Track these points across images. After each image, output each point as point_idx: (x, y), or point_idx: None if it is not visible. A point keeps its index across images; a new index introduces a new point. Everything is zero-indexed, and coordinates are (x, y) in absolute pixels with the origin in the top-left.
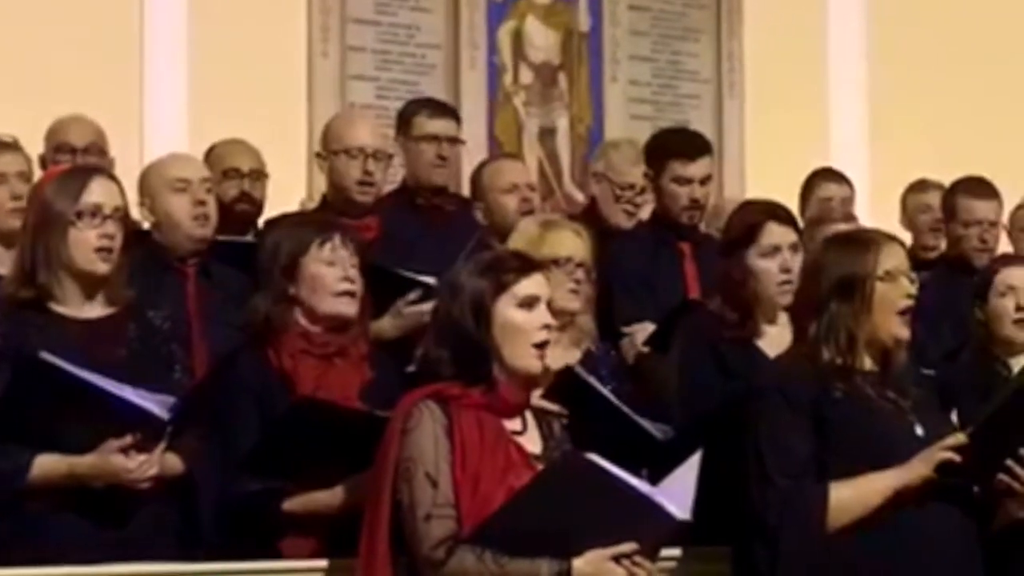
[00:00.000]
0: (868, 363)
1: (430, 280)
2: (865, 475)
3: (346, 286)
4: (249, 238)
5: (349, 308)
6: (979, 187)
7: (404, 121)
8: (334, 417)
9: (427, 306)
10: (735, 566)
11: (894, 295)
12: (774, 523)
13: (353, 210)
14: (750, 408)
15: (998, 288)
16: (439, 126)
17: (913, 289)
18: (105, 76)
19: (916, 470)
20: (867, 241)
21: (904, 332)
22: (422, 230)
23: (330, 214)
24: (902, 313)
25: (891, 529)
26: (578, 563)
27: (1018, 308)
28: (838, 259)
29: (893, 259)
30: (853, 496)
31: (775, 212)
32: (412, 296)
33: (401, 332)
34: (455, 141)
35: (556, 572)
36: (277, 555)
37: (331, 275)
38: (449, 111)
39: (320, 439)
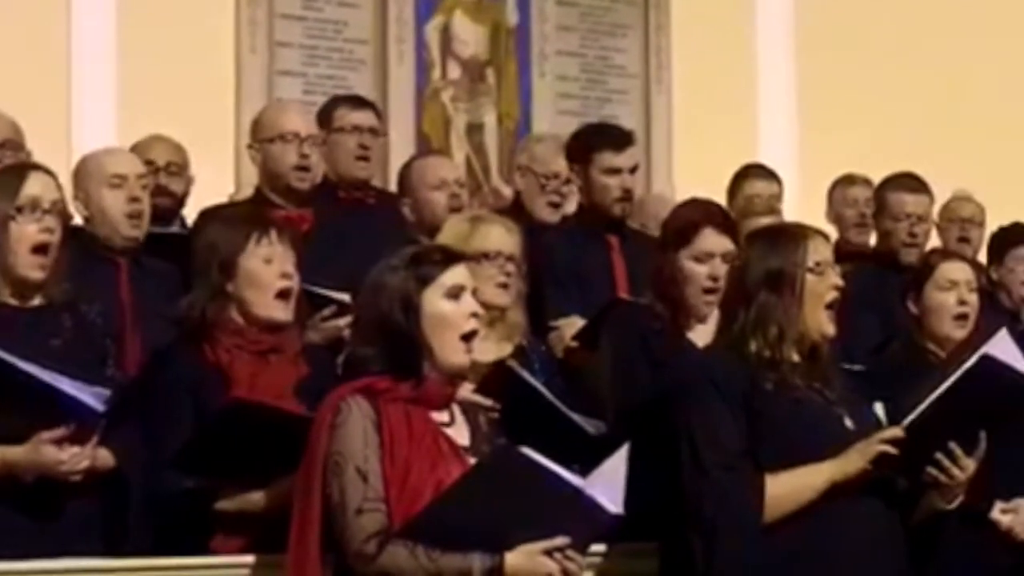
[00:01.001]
0: (794, 356)
1: (344, 297)
2: (802, 467)
3: (283, 284)
4: (179, 229)
5: (285, 314)
6: (910, 182)
7: (325, 116)
8: (267, 418)
9: (343, 321)
10: (664, 561)
11: (822, 288)
12: (710, 515)
13: (289, 199)
14: (681, 400)
15: (939, 282)
16: (360, 117)
17: (840, 282)
18: (32, 72)
19: (853, 462)
20: (795, 234)
21: (831, 328)
22: (348, 224)
23: (264, 207)
24: (829, 306)
25: (821, 520)
26: (510, 557)
27: (960, 303)
28: (766, 252)
29: (820, 252)
30: (790, 488)
31: (715, 217)
32: (326, 312)
33: (323, 343)
34: (376, 133)
35: (488, 566)
36: (207, 552)
37: (268, 273)
38: (369, 104)
39: (253, 438)
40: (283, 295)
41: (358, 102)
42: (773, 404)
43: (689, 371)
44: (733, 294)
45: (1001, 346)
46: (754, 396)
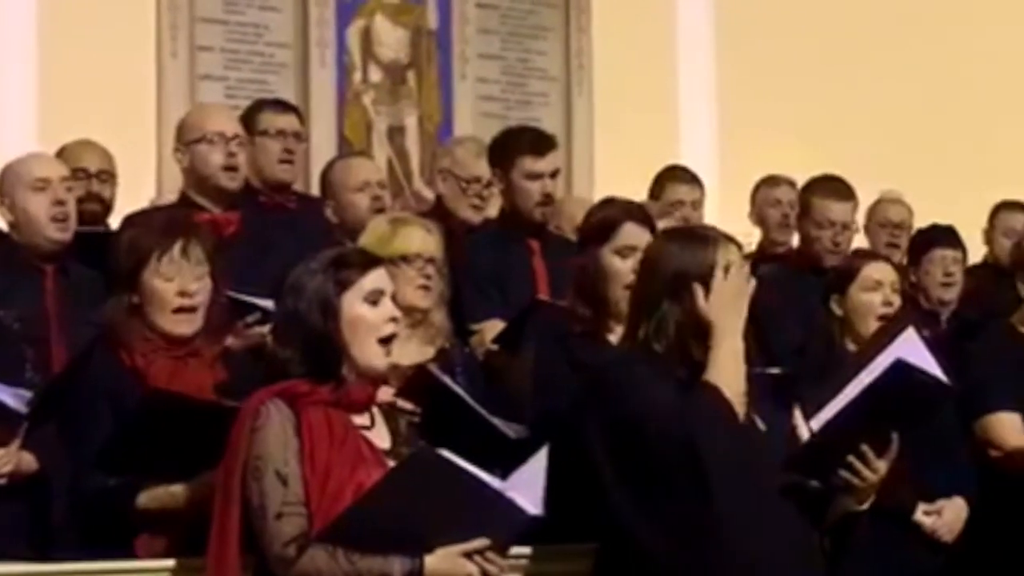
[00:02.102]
0: (699, 357)
1: (267, 304)
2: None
3: (181, 302)
4: (103, 229)
5: (186, 327)
6: (836, 188)
7: (249, 120)
8: (185, 409)
9: (266, 328)
10: (598, 562)
11: (731, 289)
12: (629, 522)
13: (217, 201)
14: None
15: (863, 283)
16: (284, 122)
17: (751, 283)
18: None
19: (729, 330)
20: (705, 236)
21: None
22: (272, 228)
23: (189, 210)
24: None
25: (734, 525)
26: (430, 560)
27: (884, 303)
28: (673, 252)
29: (729, 254)
30: None
31: (634, 213)
32: (250, 319)
33: (244, 350)
34: (300, 137)
35: (408, 569)
36: (131, 554)
37: (168, 291)
38: (292, 108)
39: (173, 433)
40: (181, 311)
41: (282, 106)
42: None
43: (600, 371)
44: (640, 296)
45: (910, 348)
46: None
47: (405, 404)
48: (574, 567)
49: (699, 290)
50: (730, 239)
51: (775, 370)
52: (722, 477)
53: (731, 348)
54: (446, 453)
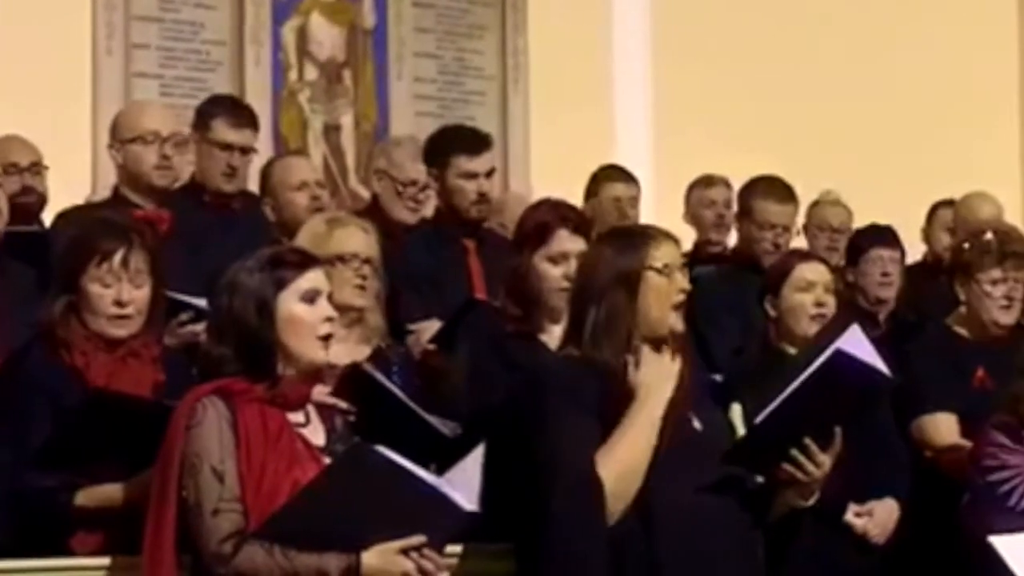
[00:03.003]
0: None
1: (200, 303)
2: (616, 437)
3: (116, 311)
4: (37, 228)
5: (121, 332)
6: (777, 190)
7: (203, 120)
8: (128, 409)
9: (199, 327)
10: (520, 562)
11: (670, 289)
12: (555, 515)
13: (150, 198)
14: (534, 404)
15: (796, 283)
16: (234, 137)
17: (687, 285)
18: None
19: (653, 399)
20: (642, 235)
21: (680, 324)
22: (209, 227)
23: (127, 211)
24: (676, 307)
25: (675, 522)
26: (366, 556)
27: (817, 303)
28: (612, 254)
29: (668, 254)
30: (620, 459)
31: (569, 218)
32: (183, 317)
33: (177, 349)
34: (248, 151)
35: (345, 566)
36: (68, 552)
37: (105, 298)
38: (249, 120)
39: (113, 433)
40: (117, 318)
41: (238, 117)
42: (621, 409)
43: (540, 376)
44: (581, 295)
45: (853, 342)
46: (603, 402)
47: (340, 403)
48: (502, 566)
49: (637, 287)
50: (670, 237)
51: (717, 377)
52: (660, 475)
53: (649, 417)
54: (383, 449)
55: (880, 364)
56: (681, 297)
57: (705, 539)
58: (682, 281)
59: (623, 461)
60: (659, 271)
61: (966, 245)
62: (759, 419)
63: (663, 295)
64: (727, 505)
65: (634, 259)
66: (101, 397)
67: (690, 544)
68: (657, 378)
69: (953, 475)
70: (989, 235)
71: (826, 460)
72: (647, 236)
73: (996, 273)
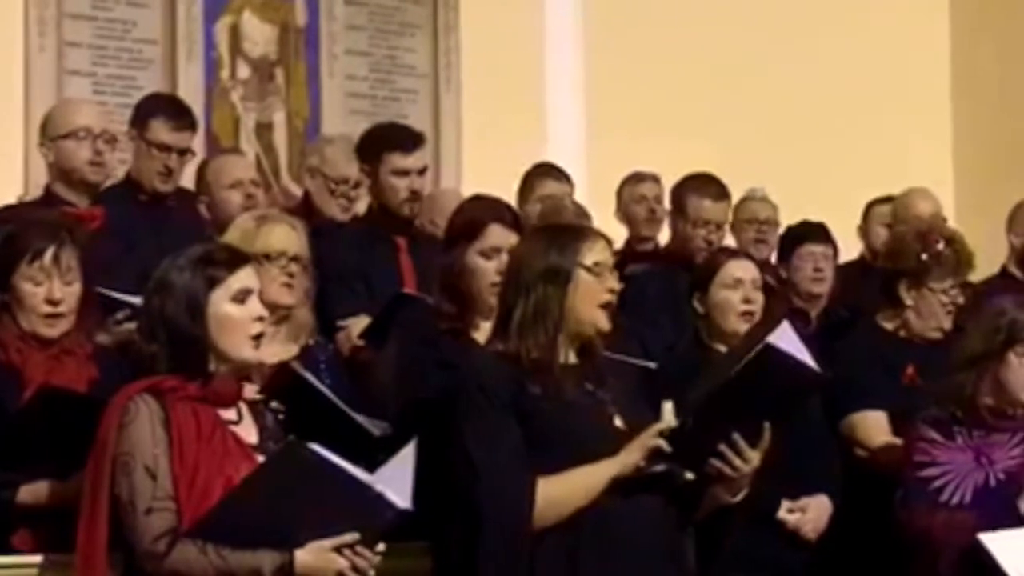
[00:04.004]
0: (567, 356)
1: (136, 300)
2: (576, 468)
3: (47, 309)
4: None
5: (52, 331)
6: (711, 187)
7: (142, 119)
8: (72, 406)
9: (135, 324)
10: (437, 561)
11: (598, 288)
12: (479, 517)
13: (82, 195)
14: (455, 403)
15: (724, 281)
16: (172, 137)
17: (616, 285)
18: None
19: (629, 458)
20: (575, 233)
21: (605, 323)
22: (143, 224)
23: (59, 209)
24: (604, 306)
25: (602, 519)
26: (300, 554)
27: (745, 300)
28: (543, 250)
29: (598, 252)
30: (564, 490)
31: (501, 214)
32: (120, 315)
33: (113, 347)
34: (185, 152)
35: (278, 564)
36: (9, 550)
37: (36, 296)
38: (187, 121)
39: (57, 429)
40: (48, 316)
41: (176, 119)
42: (541, 408)
43: (461, 377)
44: (510, 288)
45: (783, 338)
46: (522, 400)
47: (271, 402)
48: (420, 564)
49: (565, 283)
50: (602, 236)
51: (649, 364)
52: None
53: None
54: (316, 447)
55: (810, 360)
56: (609, 297)
57: (630, 537)
58: (612, 281)
59: (562, 495)
60: (590, 269)
61: (923, 256)
62: (685, 417)
63: (592, 294)
64: (654, 502)
65: (565, 256)
66: (48, 394)
67: (615, 542)
68: (632, 448)
69: (884, 471)
70: (942, 244)
71: (754, 456)
72: (579, 234)
73: (949, 283)
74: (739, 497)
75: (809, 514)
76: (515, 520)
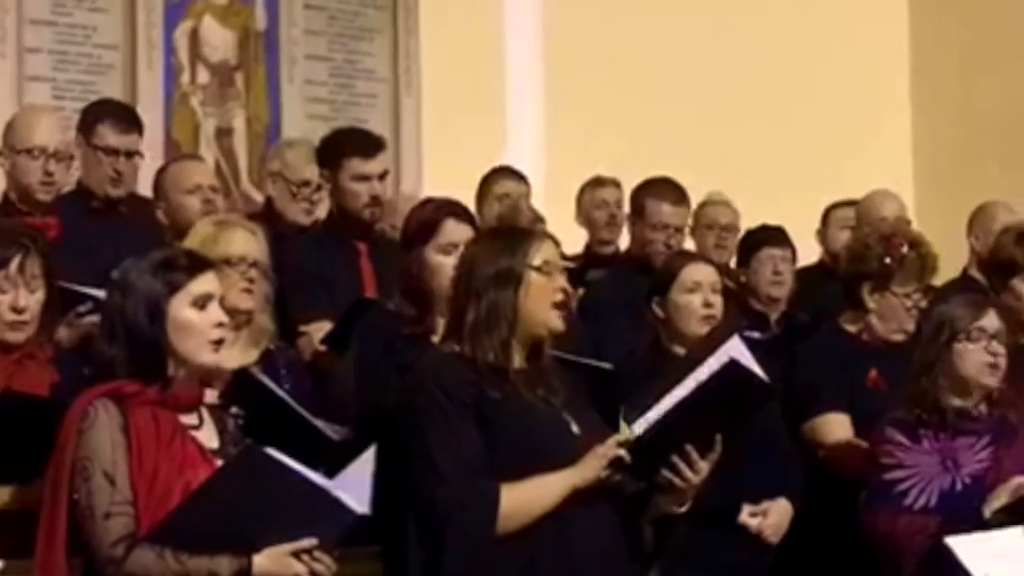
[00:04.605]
0: (519, 360)
1: (99, 293)
2: (538, 477)
3: (12, 317)
4: None
5: (17, 336)
6: (670, 191)
7: (87, 124)
8: (35, 411)
9: (97, 317)
10: (388, 566)
11: (549, 287)
12: (443, 521)
13: (36, 208)
14: (414, 407)
15: (684, 284)
16: (119, 141)
17: (566, 284)
18: None
19: (591, 468)
20: (522, 234)
21: (559, 324)
22: (98, 231)
23: (13, 218)
24: (556, 306)
25: (552, 527)
26: (258, 559)
27: (705, 304)
28: (492, 252)
29: (546, 252)
30: (526, 499)
31: (454, 209)
32: (82, 308)
33: (75, 341)
34: (133, 155)
35: (236, 569)
36: None
37: (2, 303)
38: (133, 123)
39: (16, 434)
40: (13, 324)
41: (122, 121)
42: (502, 412)
43: (420, 377)
44: (461, 293)
45: (733, 351)
46: (483, 405)
47: (230, 407)
48: (370, 569)
49: (516, 285)
50: (549, 236)
51: (604, 365)
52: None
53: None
54: (273, 452)
55: (762, 375)
56: (561, 296)
57: (588, 545)
58: (562, 280)
59: (524, 504)
60: (539, 269)
61: (886, 260)
62: (646, 428)
63: (543, 294)
64: (608, 510)
65: (514, 258)
66: (8, 399)
67: (572, 550)
68: (593, 458)
69: (847, 474)
70: (906, 248)
71: (705, 467)
72: (527, 235)
73: (912, 286)
74: (684, 508)
75: (771, 518)
76: (480, 527)
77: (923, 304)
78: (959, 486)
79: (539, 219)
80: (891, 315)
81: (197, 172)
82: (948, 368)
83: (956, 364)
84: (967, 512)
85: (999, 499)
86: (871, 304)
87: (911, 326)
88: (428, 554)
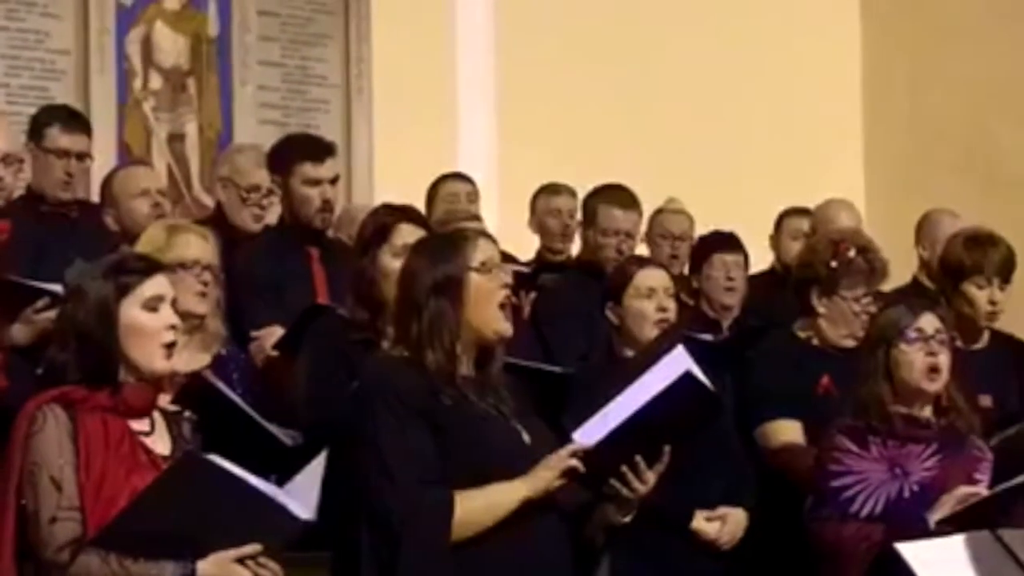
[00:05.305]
0: (467, 367)
1: (56, 288)
2: (494, 485)
3: None
4: None
5: None
6: (621, 197)
7: (36, 129)
8: None
9: (54, 312)
10: (339, 571)
11: (492, 287)
12: (398, 527)
13: None
14: (368, 412)
15: (638, 290)
16: (69, 142)
17: (510, 280)
18: None
19: (544, 478)
20: (458, 238)
21: (506, 326)
22: (48, 236)
23: None
24: (502, 306)
25: (499, 536)
26: (202, 565)
27: (659, 309)
28: (431, 259)
29: (485, 252)
30: (480, 507)
31: (409, 214)
32: (40, 304)
33: (33, 338)
34: (84, 157)
35: (180, 574)
36: None
37: None
38: (82, 125)
39: None
40: None
41: (71, 123)
42: (453, 420)
43: (372, 382)
44: (403, 305)
45: (678, 361)
46: (435, 411)
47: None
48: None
49: (457, 291)
50: (485, 235)
51: (555, 368)
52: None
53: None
54: (214, 457)
55: (709, 384)
56: (505, 293)
57: (537, 554)
58: (504, 277)
59: (477, 513)
60: (479, 270)
61: (833, 263)
62: (599, 439)
63: (487, 295)
64: (551, 519)
65: (453, 263)
66: None
67: (515, 557)
68: (545, 469)
69: (798, 479)
70: (853, 252)
71: (652, 477)
72: (463, 238)
73: (861, 291)
74: (629, 518)
75: (728, 525)
76: (435, 536)
77: (872, 309)
78: (906, 493)
79: (475, 218)
80: (840, 320)
81: (145, 177)
82: (890, 374)
83: (896, 369)
84: (912, 520)
85: (944, 508)
86: (820, 309)
87: (860, 331)
88: (382, 561)
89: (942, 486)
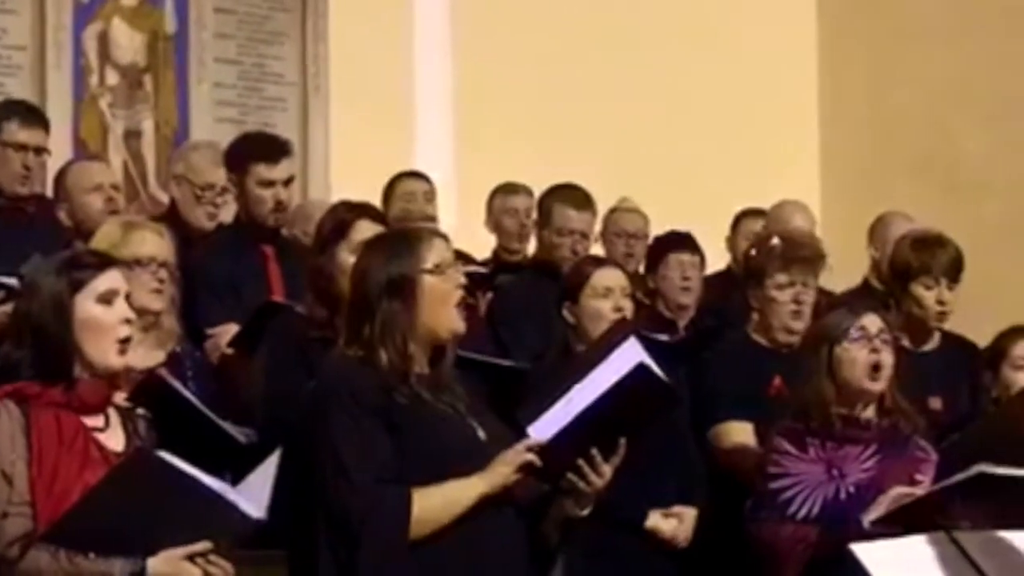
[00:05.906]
0: (421, 365)
1: (11, 281)
2: (451, 482)
3: None
4: None
5: None
6: (576, 197)
7: None
8: None
9: (10, 306)
10: (295, 570)
11: (446, 288)
12: (356, 526)
13: None
14: (324, 410)
15: (595, 289)
16: (26, 136)
17: (464, 280)
18: None
19: (500, 474)
20: (412, 237)
21: (460, 324)
22: (5, 230)
23: None
24: (458, 305)
25: (457, 533)
26: (153, 562)
27: (616, 309)
28: (383, 259)
29: (438, 252)
30: (438, 505)
31: (368, 211)
32: None
33: None
34: (41, 151)
35: (129, 571)
36: None
37: None
38: (40, 120)
39: None
40: None
41: (29, 117)
42: (409, 418)
43: (328, 381)
44: (356, 304)
45: (631, 352)
46: (391, 409)
47: (137, 409)
48: (275, 573)
49: (411, 291)
50: (438, 234)
51: (507, 362)
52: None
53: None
54: (163, 454)
55: (661, 374)
56: (460, 293)
57: (495, 549)
58: (458, 277)
59: (435, 511)
60: (432, 272)
61: (753, 251)
62: (555, 433)
63: (441, 296)
64: (508, 514)
65: (405, 264)
66: None
67: (472, 553)
68: (502, 464)
69: (746, 482)
70: (776, 240)
71: (608, 470)
72: (416, 238)
73: (782, 278)
74: (586, 511)
75: (684, 523)
76: (393, 534)
77: (805, 298)
78: (843, 495)
79: (431, 219)
80: (771, 312)
81: (99, 172)
82: (832, 374)
83: (839, 368)
84: (848, 522)
85: (879, 508)
86: (755, 304)
87: (796, 322)
88: (340, 560)
89: (880, 487)
